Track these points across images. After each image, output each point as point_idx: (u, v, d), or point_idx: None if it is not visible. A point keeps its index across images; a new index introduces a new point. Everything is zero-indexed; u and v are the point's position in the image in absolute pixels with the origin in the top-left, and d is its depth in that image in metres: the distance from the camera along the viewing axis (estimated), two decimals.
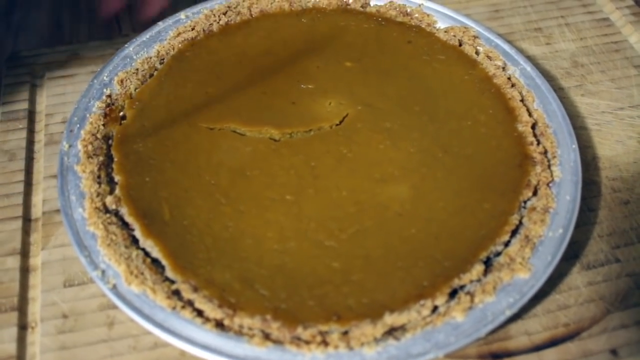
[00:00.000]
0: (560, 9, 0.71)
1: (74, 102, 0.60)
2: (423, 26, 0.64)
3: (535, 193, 0.51)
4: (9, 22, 0.72)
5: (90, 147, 0.52)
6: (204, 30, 0.63)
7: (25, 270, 0.50)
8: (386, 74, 0.60)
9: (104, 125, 0.54)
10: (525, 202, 0.51)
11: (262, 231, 0.48)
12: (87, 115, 0.54)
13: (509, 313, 0.44)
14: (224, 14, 0.64)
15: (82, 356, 0.45)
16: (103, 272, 0.45)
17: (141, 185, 0.51)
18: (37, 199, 0.55)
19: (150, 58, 0.60)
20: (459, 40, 0.62)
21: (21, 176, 0.55)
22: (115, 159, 0.52)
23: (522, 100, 0.57)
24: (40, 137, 0.59)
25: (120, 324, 0.47)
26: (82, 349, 0.46)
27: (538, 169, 0.52)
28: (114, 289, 0.44)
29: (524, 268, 0.46)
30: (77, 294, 0.49)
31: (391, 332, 0.43)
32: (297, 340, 0.43)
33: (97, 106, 0.55)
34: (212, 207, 0.50)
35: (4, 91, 0.62)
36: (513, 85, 0.58)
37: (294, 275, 0.46)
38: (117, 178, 0.51)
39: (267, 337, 0.43)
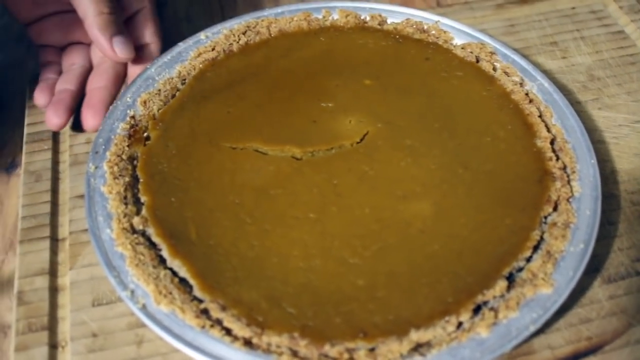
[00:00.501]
0: (575, 22, 0.72)
1: None
2: (440, 43, 0.64)
3: (555, 208, 0.51)
4: (30, 44, 0.73)
5: (115, 168, 0.53)
6: (224, 50, 0.64)
7: (54, 290, 0.51)
8: (405, 92, 0.60)
9: (128, 146, 0.55)
10: (546, 217, 0.51)
11: (287, 250, 0.49)
12: (112, 136, 0.55)
13: (532, 328, 0.44)
14: (244, 33, 0.65)
15: None
16: (132, 292, 0.46)
17: (167, 205, 0.51)
18: (63, 219, 0.55)
19: (172, 79, 0.60)
20: (476, 56, 0.63)
21: (47, 197, 0.56)
22: (141, 180, 0.53)
23: (540, 116, 0.57)
24: (65, 158, 0.60)
25: (149, 342, 0.48)
26: None
27: (558, 184, 0.52)
28: (144, 308, 0.45)
29: (547, 283, 0.46)
30: (105, 313, 0.49)
31: (417, 348, 0.44)
32: (325, 358, 0.43)
33: (122, 127, 0.56)
34: (238, 227, 0.50)
35: (29, 112, 0.63)
36: (531, 101, 0.58)
37: (320, 293, 0.47)
38: (143, 199, 0.52)
39: (295, 354, 0.43)
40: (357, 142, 0.56)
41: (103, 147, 0.55)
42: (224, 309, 0.45)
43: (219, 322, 0.45)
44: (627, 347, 0.48)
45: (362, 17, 0.67)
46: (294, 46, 0.65)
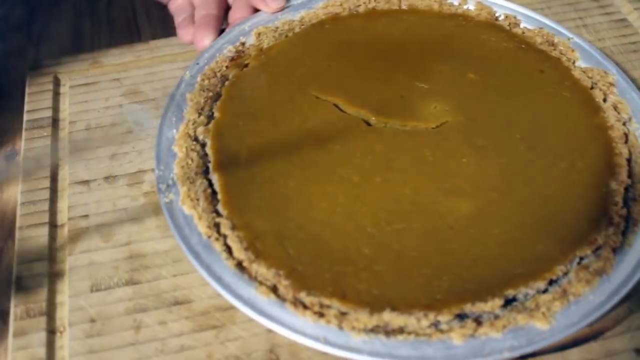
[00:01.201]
0: (577, 10, 0.71)
1: (96, 109, 0.62)
2: (562, 60, 0.63)
3: (595, 253, 0.49)
4: (30, 33, 0.73)
5: (206, 82, 0.59)
6: (350, 8, 0.67)
7: (52, 276, 0.51)
8: (504, 95, 0.59)
9: (227, 67, 0.61)
10: (581, 258, 0.49)
11: (316, 200, 0.51)
12: (217, 55, 0.61)
13: (507, 355, 0.43)
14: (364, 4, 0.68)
15: (110, 359, 0.46)
16: (167, 186, 0.51)
17: (233, 126, 0.56)
18: (62, 205, 0.55)
19: (293, 21, 0.65)
20: (592, 82, 0.60)
21: (47, 183, 0.56)
22: (222, 98, 0.58)
23: (629, 160, 0.54)
24: (64, 144, 0.60)
25: (147, 327, 0.47)
26: (110, 353, 0.46)
27: (611, 230, 0.50)
28: (169, 203, 0.50)
29: (544, 319, 0.44)
30: (104, 298, 0.49)
31: (385, 328, 0.44)
32: (298, 302, 0.45)
33: (229, 49, 0.62)
34: (284, 166, 0.53)
35: (28, 99, 0.63)
36: (627, 142, 0.56)
37: (325, 247, 0.48)
38: (216, 114, 0.57)
39: (273, 290, 0.45)
40: (432, 128, 0.56)
41: (205, 61, 0.61)
42: (233, 228, 0.49)
43: (224, 237, 0.48)
44: (628, 333, 0.47)
45: (495, 14, 0.67)
46: (418, 24, 0.66)
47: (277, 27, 0.64)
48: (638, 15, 0.70)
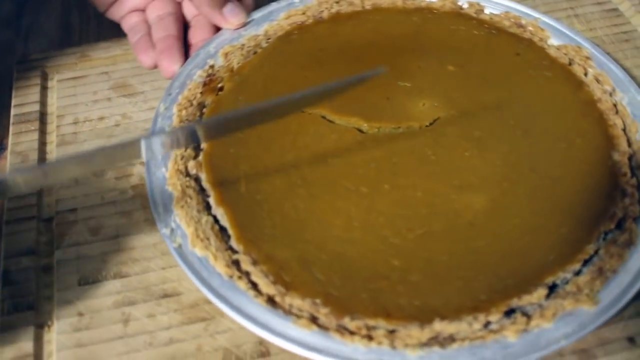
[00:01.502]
0: (568, 0, 0.71)
1: (84, 102, 0.61)
2: (535, 40, 0.63)
3: (619, 226, 0.49)
4: (18, 27, 0.72)
5: (184, 112, 0.56)
6: (314, 15, 0.65)
7: (40, 270, 0.50)
8: (487, 83, 0.59)
9: (201, 93, 0.58)
10: (606, 233, 0.49)
11: (330, 217, 0.49)
12: (188, 81, 0.59)
13: (563, 343, 0.43)
14: (337, 2, 0.66)
15: (99, 353, 0.45)
16: (172, 230, 0.48)
17: (224, 155, 0.53)
18: (50, 199, 0.55)
19: (258, 36, 0.63)
20: (569, 59, 0.61)
21: None
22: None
23: (624, 130, 0.55)
24: (52, 139, 0.59)
25: (136, 320, 0.47)
26: (98, 346, 0.46)
27: (627, 201, 0.50)
28: (179, 248, 0.48)
29: (590, 300, 0.44)
30: (92, 292, 0.49)
31: (438, 339, 0.43)
32: (342, 329, 0.43)
33: (199, 74, 0.59)
34: (288, 187, 0.51)
35: (15, 94, 0.62)
36: (617, 113, 0.56)
37: (352, 266, 0.47)
38: (203, 145, 0.54)
39: (313, 320, 0.43)
40: (426, 126, 0.55)
41: (177, 90, 0.58)
42: (254, 263, 0.46)
43: (247, 275, 0.46)
44: (621, 322, 0.47)
45: (459, 3, 0.66)
46: (385, 22, 0.65)
47: (243, 45, 0.62)
48: (629, 5, 0.70)
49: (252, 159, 0.53)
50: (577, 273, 0.47)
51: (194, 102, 0.57)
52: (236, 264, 0.46)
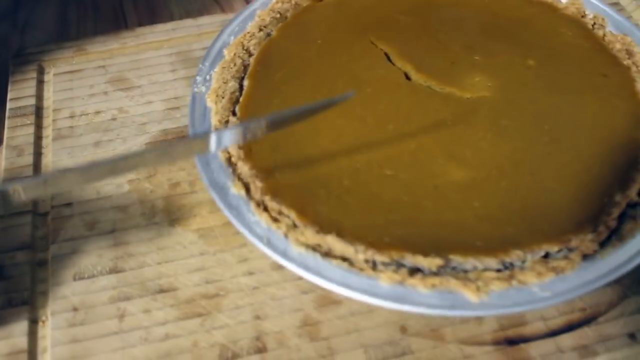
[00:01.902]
0: None
1: (81, 96, 0.61)
2: (632, 70, 0.59)
3: (561, 252, 0.46)
4: (15, 20, 0.72)
5: (279, 5, 0.63)
6: None
7: (35, 264, 0.50)
8: (553, 88, 0.57)
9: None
10: (547, 254, 0.46)
11: (323, 126, 0.52)
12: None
13: (423, 310, 0.42)
14: None
15: (94, 349, 0.45)
16: (204, 80, 0.56)
17: (282, 47, 0.60)
18: None
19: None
20: None
21: (29, 171, 0.55)
22: (287, 21, 0.62)
23: None
24: (48, 133, 0.59)
25: (131, 316, 0.47)
26: (93, 342, 0.45)
27: (589, 237, 0.47)
28: (198, 93, 0.54)
29: (477, 292, 0.43)
30: (87, 287, 0.48)
31: (325, 250, 0.45)
32: (261, 204, 0.47)
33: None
34: (311, 91, 0.55)
35: (11, 87, 0.62)
36: None
37: (310, 166, 0.50)
38: (274, 33, 0.61)
39: (245, 189, 0.48)
40: (467, 98, 0.55)
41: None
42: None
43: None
44: (622, 318, 0.47)
45: (584, 11, 0.64)
46: (502, 1, 0.65)
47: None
48: (630, 0, 0.69)
49: (301, 59, 0.58)
50: (492, 269, 0.45)
51: (292, 1, 0.63)
52: (226, 124, 0.52)
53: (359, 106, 0.53)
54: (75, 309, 0.47)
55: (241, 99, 0.54)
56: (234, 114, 0.53)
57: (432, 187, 0.49)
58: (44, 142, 0.58)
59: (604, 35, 0.62)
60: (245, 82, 0.56)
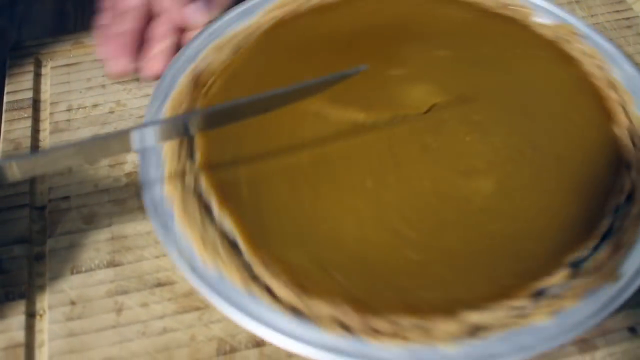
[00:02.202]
0: None
1: (78, 89, 0.60)
2: (519, 18, 0.62)
3: (629, 199, 0.49)
4: (12, 14, 0.71)
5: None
6: (296, 8, 0.62)
7: (32, 258, 0.50)
8: (480, 67, 0.58)
9: (191, 99, 0.54)
10: (617, 207, 0.48)
11: (340, 215, 0.48)
12: (171, 88, 0.55)
13: (595, 320, 0.42)
14: None
15: (91, 343, 0.45)
16: (180, 250, 0.45)
17: (221, 156, 0.51)
18: (43, 187, 0.54)
19: (239, 33, 0.60)
20: (556, 36, 0.60)
21: None
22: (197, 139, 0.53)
23: (621, 103, 0.55)
24: (45, 126, 0.58)
25: (129, 309, 0.46)
26: (91, 336, 0.45)
27: (633, 173, 0.50)
28: (193, 269, 0.44)
29: (612, 275, 0.44)
30: (84, 280, 0.48)
31: (472, 331, 0.42)
32: (371, 331, 0.42)
33: (184, 77, 0.56)
34: (291, 188, 0.49)
35: (9, 81, 0.61)
36: (612, 87, 0.56)
37: (371, 264, 0.45)
38: (197, 151, 0.51)
39: (340, 324, 0.42)
40: (423, 113, 0.54)
41: (161, 99, 0.54)
42: (267, 267, 0.44)
43: (265, 286, 0.44)
44: (622, 312, 0.46)
45: None
46: (371, 10, 0.63)
47: (226, 43, 0.59)
48: None
49: (250, 162, 0.51)
50: (595, 249, 0.46)
51: (184, 106, 0.54)
52: (248, 269, 0.44)
53: (345, 174, 0.50)
54: (72, 303, 0.47)
55: (240, 240, 0.47)
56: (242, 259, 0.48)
57: (479, 211, 0.48)
58: (41, 135, 0.58)
59: (476, 1, 0.63)
60: (222, 218, 0.48)
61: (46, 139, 0.57)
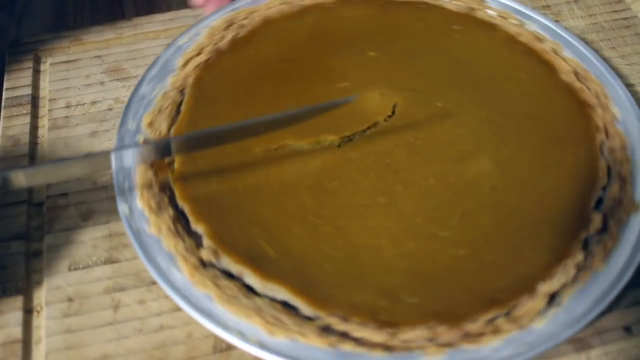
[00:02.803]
0: None
1: (77, 86, 0.60)
2: (428, 1, 0.63)
3: (606, 134, 0.52)
4: (11, 10, 0.71)
5: (152, 203, 0.49)
6: (212, 50, 0.59)
7: (29, 255, 0.50)
8: (412, 55, 0.58)
9: (154, 175, 0.50)
10: (601, 145, 0.51)
11: (374, 241, 0.47)
12: (131, 170, 0.51)
13: None
14: (226, 29, 0.61)
15: (88, 339, 0.45)
16: (239, 332, 0.42)
17: (228, 228, 0.48)
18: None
19: (168, 92, 0.56)
20: (468, 7, 0.62)
21: (25, 161, 0.55)
22: (187, 209, 0.49)
23: (554, 52, 0.58)
24: (44, 122, 0.58)
25: (126, 306, 0.46)
26: (88, 332, 0.45)
27: (599, 111, 0.53)
28: (262, 345, 0.42)
29: (633, 206, 0.47)
30: (82, 277, 0.48)
31: (550, 300, 0.44)
32: (467, 337, 0.42)
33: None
34: (312, 231, 0.48)
35: (7, 77, 0.61)
36: (539, 39, 0.59)
37: (429, 274, 0.45)
38: (198, 228, 0.48)
39: (437, 343, 0.42)
40: (390, 116, 0.54)
41: (127, 183, 0.50)
42: (345, 319, 0.43)
43: (345, 334, 0.42)
44: (618, 311, 0.46)
45: None
46: (284, 32, 0.62)
47: (160, 108, 0.55)
48: None
49: (257, 220, 0.48)
50: (605, 188, 0.49)
51: (155, 189, 0.49)
52: (326, 329, 0.42)
53: (356, 199, 0.49)
54: (70, 300, 0.47)
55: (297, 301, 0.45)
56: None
57: (491, 190, 0.50)
58: (40, 132, 0.58)
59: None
60: (269, 288, 0.45)
61: (44, 135, 0.57)
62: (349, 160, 0.52)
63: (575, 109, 0.54)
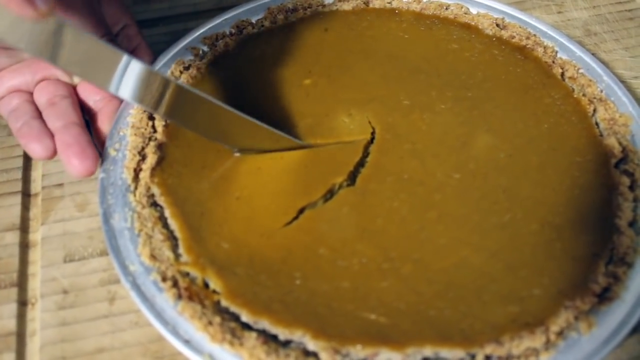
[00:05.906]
0: None
1: None
2: (321, 10, 0.62)
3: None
4: None
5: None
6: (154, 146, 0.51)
7: (24, 246, 0.49)
8: (346, 68, 0.56)
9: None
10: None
11: (455, 256, 0.45)
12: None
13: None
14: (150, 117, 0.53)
15: (83, 332, 0.44)
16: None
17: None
18: (36, 173, 0.53)
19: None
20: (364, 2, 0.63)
21: (20, 151, 0.54)
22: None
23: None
24: None
25: (122, 299, 0.46)
26: (83, 325, 0.45)
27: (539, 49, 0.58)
28: None
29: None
30: (77, 269, 0.47)
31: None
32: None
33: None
34: (396, 278, 0.44)
35: None
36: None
37: (528, 261, 0.45)
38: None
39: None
40: (372, 132, 0.52)
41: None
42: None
43: None
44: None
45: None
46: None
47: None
48: None
49: (326, 291, 0.44)
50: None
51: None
52: None
53: (408, 227, 0.47)
54: (65, 292, 0.46)
55: None
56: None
57: (508, 158, 0.50)
58: None
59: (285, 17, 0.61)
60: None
61: None
62: (371, 193, 0.48)
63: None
